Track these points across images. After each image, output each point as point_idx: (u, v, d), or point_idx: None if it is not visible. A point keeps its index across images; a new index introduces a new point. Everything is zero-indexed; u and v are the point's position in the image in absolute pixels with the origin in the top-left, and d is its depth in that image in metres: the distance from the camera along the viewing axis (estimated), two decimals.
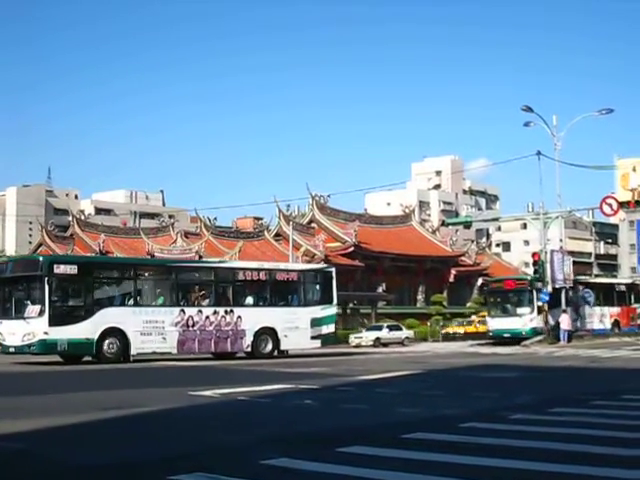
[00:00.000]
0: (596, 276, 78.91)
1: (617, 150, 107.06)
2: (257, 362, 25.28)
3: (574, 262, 47.67)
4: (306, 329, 29.10)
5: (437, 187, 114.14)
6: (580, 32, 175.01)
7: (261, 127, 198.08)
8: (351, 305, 60.23)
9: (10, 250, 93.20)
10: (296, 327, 28.78)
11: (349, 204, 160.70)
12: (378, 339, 46.53)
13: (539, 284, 39.16)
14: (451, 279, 68.43)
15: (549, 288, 38.68)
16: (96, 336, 24.24)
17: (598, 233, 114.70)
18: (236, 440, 8.51)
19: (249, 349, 27.89)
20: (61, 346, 23.86)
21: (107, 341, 24.55)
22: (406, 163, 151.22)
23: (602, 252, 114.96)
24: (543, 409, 10.72)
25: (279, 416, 11.01)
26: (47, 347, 23.74)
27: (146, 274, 27.83)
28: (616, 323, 44.64)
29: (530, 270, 44.15)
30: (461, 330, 54.09)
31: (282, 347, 28.77)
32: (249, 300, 28.89)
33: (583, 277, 49.47)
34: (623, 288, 47.89)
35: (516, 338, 38.35)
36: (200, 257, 54.70)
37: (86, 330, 24.18)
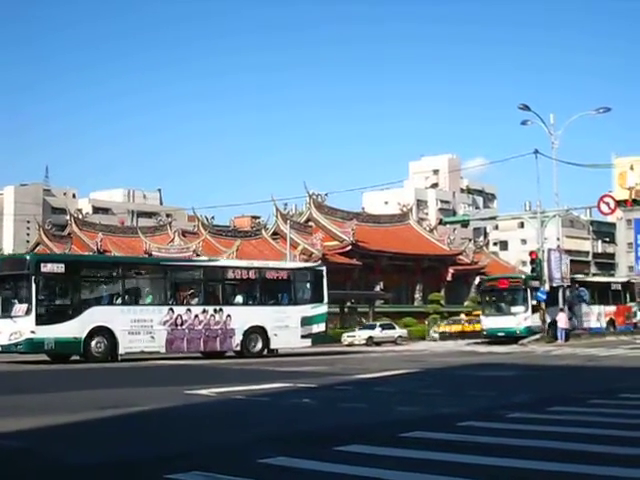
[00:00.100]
0: (594, 275, 78.92)
1: (615, 149, 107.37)
2: (251, 361, 25.22)
3: (571, 261, 47.76)
4: (296, 328, 28.96)
5: (434, 186, 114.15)
6: (580, 30, 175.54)
7: (259, 126, 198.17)
8: (349, 304, 60.29)
9: (8, 249, 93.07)
10: (286, 326, 28.65)
11: (347, 203, 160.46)
12: (371, 338, 46.44)
13: (535, 283, 39.21)
14: (449, 278, 68.49)
15: (546, 287, 38.70)
16: (84, 335, 24.15)
17: (595, 232, 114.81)
18: (233, 439, 8.51)
19: (238, 348, 27.77)
20: (48, 345, 23.75)
21: (95, 340, 24.44)
22: (404, 162, 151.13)
23: (600, 251, 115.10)
24: (541, 408, 10.72)
25: (277, 415, 11.00)
26: (34, 346, 23.66)
27: (134, 273, 27.63)
28: (611, 322, 44.66)
29: (528, 269, 44.21)
30: (450, 329, 53.48)
31: (272, 346, 28.66)
32: (238, 299, 28.78)
33: (578, 276, 49.47)
34: (618, 287, 47.91)
35: (510, 337, 38.35)
36: (198, 256, 54.67)
37: (73, 329, 24.07)
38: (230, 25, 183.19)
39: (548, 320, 38.55)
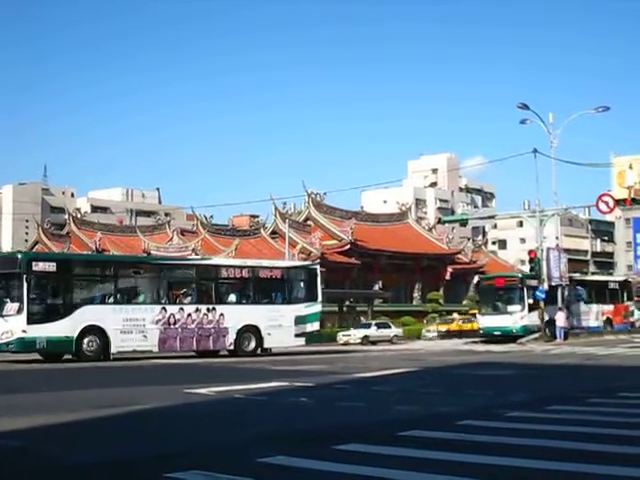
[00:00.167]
0: (592, 274, 78.94)
1: (613, 148, 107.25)
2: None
3: (570, 260, 47.77)
4: (290, 327, 28.88)
5: (433, 185, 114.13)
6: (580, 30, 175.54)
7: (258, 125, 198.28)
8: (347, 303, 60.33)
9: (7, 248, 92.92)
10: (280, 325, 28.57)
11: (345, 202, 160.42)
12: (366, 337, 46.40)
13: (532, 281, 39.22)
14: (447, 277, 68.58)
15: (545, 286, 38.71)
16: (75, 334, 24.11)
17: (594, 231, 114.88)
18: (232, 438, 8.50)
19: (232, 347, 27.72)
20: (40, 344, 23.68)
21: (87, 339, 24.39)
22: (402, 161, 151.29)
23: (598, 250, 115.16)
24: (539, 407, 10.72)
25: (275, 414, 11.00)
26: (26, 345, 23.60)
27: (126, 272, 27.57)
28: (608, 321, 44.64)
29: (526, 268, 44.22)
30: (443, 328, 53.31)
31: (265, 345, 28.59)
32: (232, 298, 28.71)
33: (576, 275, 49.48)
34: (616, 286, 47.90)
35: (506, 336, 38.35)
36: (196, 255, 54.66)
37: (65, 328, 24.02)
38: (230, 25, 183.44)
39: (546, 319, 38.55)
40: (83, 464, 6.96)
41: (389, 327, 49.56)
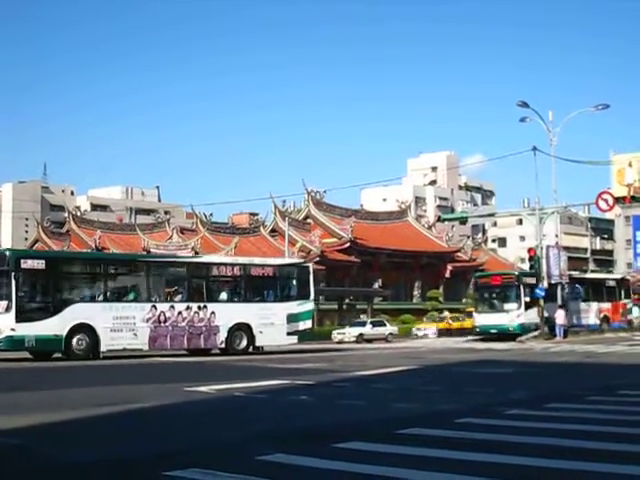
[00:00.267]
0: (592, 272, 78.99)
1: (613, 146, 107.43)
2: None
3: (570, 258, 47.78)
4: (282, 325, 28.70)
5: (433, 183, 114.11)
6: (579, 29, 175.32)
7: (258, 124, 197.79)
8: (347, 301, 60.34)
9: (6, 246, 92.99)
10: (271, 323, 28.40)
11: (345, 200, 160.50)
12: (361, 335, 46.24)
13: (529, 279, 39.21)
14: (447, 275, 68.58)
15: (545, 284, 38.71)
16: (65, 332, 23.93)
17: (594, 229, 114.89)
18: (232, 436, 8.51)
19: (223, 345, 27.54)
20: (29, 342, 23.51)
21: (76, 337, 24.21)
22: (402, 159, 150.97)
23: (598, 248, 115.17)
24: (539, 405, 10.74)
25: (275, 412, 11.01)
26: (14, 343, 23.44)
27: (116, 269, 27.44)
28: (605, 319, 44.61)
29: (526, 266, 44.22)
30: (434, 327, 53.15)
31: (257, 343, 28.40)
32: (223, 296, 28.45)
33: (574, 272, 49.49)
34: (613, 284, 47.90)
35: (503, 334, 38.32)
36: (196, 253, 54.67)
37: (54, 326, 23.83)
38: (230, 25, 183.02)
39: (545, 316, 38.54)
40: (83, 462, 6.96)
41: (384, 325, 49.42)
